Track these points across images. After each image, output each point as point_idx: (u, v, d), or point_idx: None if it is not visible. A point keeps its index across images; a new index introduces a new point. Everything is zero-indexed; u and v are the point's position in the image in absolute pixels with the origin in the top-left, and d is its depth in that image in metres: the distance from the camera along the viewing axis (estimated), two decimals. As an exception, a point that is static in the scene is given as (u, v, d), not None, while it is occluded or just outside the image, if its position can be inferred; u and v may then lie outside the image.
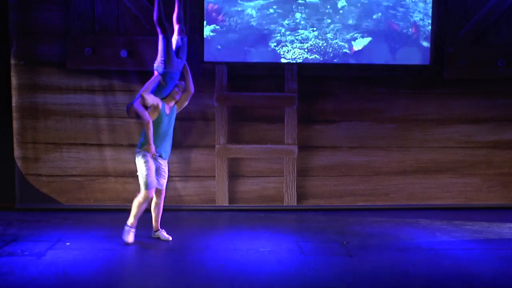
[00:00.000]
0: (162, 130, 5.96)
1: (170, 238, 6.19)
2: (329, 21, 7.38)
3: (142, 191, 5.92)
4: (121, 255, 5.60)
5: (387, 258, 5.60)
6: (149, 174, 5.89)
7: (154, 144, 5.89)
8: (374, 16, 7.41)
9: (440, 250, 5.82)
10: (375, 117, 7.53)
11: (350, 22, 7.42)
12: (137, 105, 5.80)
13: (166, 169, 6.15)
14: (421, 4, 7.45)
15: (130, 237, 5.93)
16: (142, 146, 5.91)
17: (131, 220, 5.98)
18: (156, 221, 6.23)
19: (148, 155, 5.88)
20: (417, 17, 7.46)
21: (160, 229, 6.24)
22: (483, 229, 6.65)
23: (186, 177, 7.47)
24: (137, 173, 6.00)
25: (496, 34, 7.48)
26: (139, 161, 5.92)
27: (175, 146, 7.39)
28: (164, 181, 6.15)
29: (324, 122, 7.52)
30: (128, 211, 7.28)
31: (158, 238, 6.21)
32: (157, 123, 5.92)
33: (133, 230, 5.97)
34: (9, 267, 5.21)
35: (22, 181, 7.32)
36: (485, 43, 7.48)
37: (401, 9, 7.44)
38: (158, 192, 6.13)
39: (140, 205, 5.95)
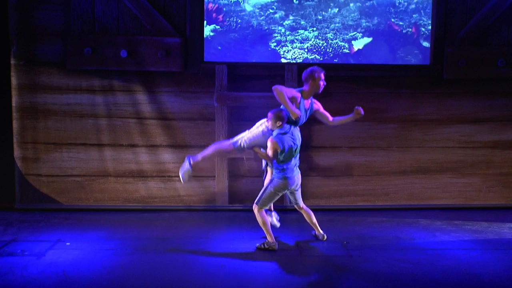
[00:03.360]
0: None
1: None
2: (329, 21, 7.39)
3: (255, 205, 5.84)
4: (121, 255, 5.60)
5: (387, 258, 5.60)
6: (271, 198, 5.84)
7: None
8: (374, 16, 7.41)
9: (440, 250, 5.82)
10: (375, 117, 7.53)
11: (350, 22, 7.43)
12: None
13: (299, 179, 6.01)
14: (421, 4, 7.46)
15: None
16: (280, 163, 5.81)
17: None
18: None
19: (283, 184, 5.79)
20: (417, 17, 7.47)
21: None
22: (483, 229, 6.65)
23: (186, 177, 7.47)
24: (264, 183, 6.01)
25: (496, 34, 7.48)
26: (277, 180, 5.81)
27: (175, 146, 7.42)
28: (299, 195, 6.04)
29: (324, 122, 7.51)
30: (127, 211, 7.33)
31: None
32: None
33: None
34: (9, 267, 5.22)
35: (22, 181, 7.32)
36: (485, 43, 7.48)
37: (401, 9, 7.44)
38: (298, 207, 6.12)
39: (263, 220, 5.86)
